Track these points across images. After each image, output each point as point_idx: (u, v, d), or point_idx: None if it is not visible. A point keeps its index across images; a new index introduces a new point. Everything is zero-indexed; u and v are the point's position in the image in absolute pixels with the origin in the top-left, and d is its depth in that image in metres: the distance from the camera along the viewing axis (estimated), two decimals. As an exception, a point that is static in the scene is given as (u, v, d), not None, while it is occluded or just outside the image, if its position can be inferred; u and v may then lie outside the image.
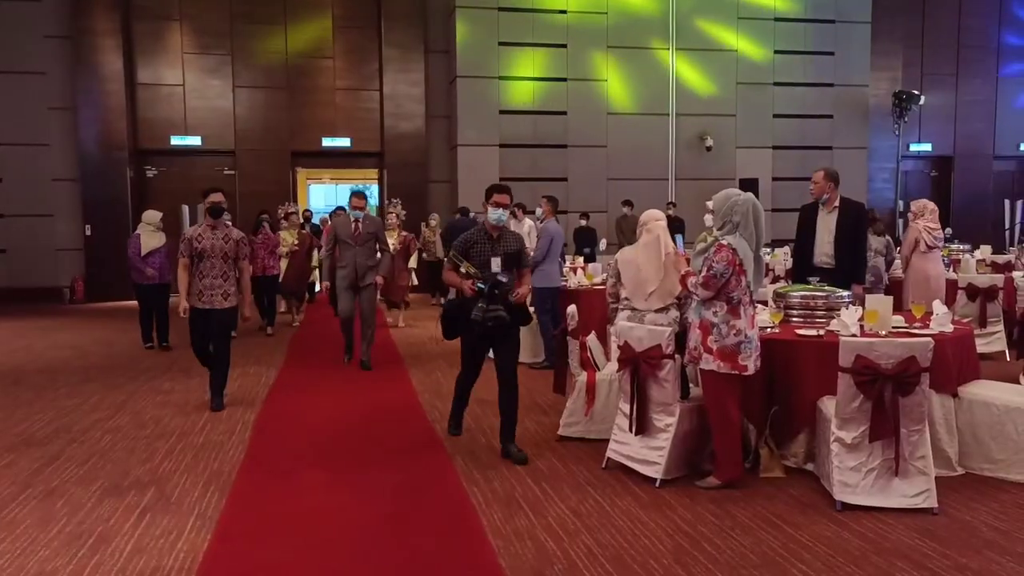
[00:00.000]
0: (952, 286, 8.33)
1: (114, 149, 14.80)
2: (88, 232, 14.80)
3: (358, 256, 7.65)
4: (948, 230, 15.72)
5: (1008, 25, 18.83)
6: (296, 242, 10.89)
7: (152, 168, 15.53)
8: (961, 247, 12.61)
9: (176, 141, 15.39)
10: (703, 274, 4.24)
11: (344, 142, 16.08)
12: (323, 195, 18.99)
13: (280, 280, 10.73)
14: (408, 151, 15.97)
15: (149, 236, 9.06)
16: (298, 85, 15.79)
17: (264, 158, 15.58)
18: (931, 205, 7.99)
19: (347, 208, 8.09)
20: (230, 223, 6.34)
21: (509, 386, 4.94)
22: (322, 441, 5.42)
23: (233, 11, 15.38)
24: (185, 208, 14.40)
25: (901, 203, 17.09)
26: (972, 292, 8.20)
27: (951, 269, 9.49)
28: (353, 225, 7.69)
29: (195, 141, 15.46)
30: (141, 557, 3.57)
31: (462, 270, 4.89)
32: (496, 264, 4.88)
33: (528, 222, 12.69)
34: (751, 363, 4.27)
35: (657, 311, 4.71)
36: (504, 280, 4.80)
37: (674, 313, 4.69)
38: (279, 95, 15.72)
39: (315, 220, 13.95)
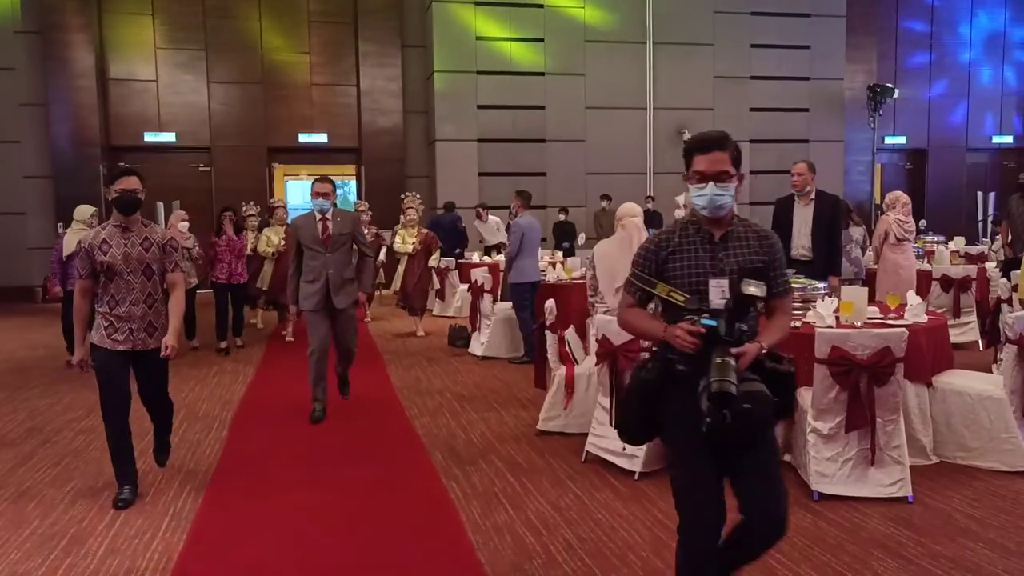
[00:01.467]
0: (926, 277, 8.42)
1: (86, 146, 14.58)
2: (60, 230, 14.56)
3: (329, 266, 5.57)
4: (923, 222, 15.90)
5: (978, 20, 19.04)
6: (283, 242, 9.44)
7: (126, 165, 15.29)
8: (935, 239, 12.72)
9: (150, 137, 15.20)
10: None
11: (321, 138, 15.96)
12: (301, 191, 18.85)
13: (265, 288, 9.55)
14: (386, 147, 15.88)
15: (76, 236, 7.39)
16: (274, 80, 15.64)
17: (240, 154, 15.42)
18: (904, 197, 8.06)
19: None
20: (151, 222, 4.31)
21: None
22: (300, 439, 5.38)
23: (207, 5, 15.19)
24: (160, 205, 14.21)
25: (877, 196, 17.26)
26: (946, 283, 8.30)
27: (925, 260, 9.59)
28: (320, 223, 5.63)
29: (169, 137, 15.27)
30: (115, 558, 3.52)
31: (665, 297, 2.58)
32: (723, 290, 2.53)
33: (494, 219, 12.76)
34: None
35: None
36: (745, 327, 2.47)
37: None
38: (255, 90, 15.56)
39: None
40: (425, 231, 9.99)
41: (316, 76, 15.88)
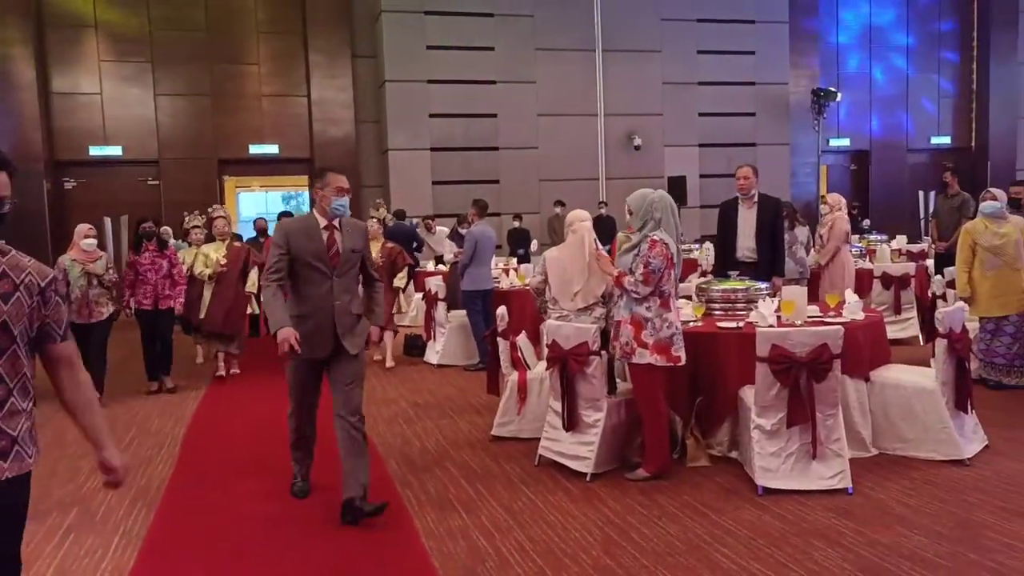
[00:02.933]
0: (868, 275, 8.69)
1: (29, 161, 14.20)
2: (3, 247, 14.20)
3: (336, 295, 4.06)
4: (866, 221, 16.37)
5: (914, 25, 19.66)
6: (224, 260, 7.73)
7: (71, 180, 15.01)
8: (879, 237, 13.11)
9: (95, 151, 14.90)
10: (641, 271, 4.31)
11: (272, 149, 15.83)
12: (254, 203, 18.66)
13: (203, 317, 7.78)
14: (338, 156, 15.78)
15: None
16: (223, 92, 15.47)
17: (189, 167, 15.21)
18: (842, 199, 8.37)
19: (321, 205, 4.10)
20: (12, 250, 2.40)
21: None
22: (253, 453, 5.36)
23: (151, 17, 14.96)
24: (107, 221, 13.97)
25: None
26: (887, 280, 8.57)
27: (867, 259, 9.88)
28: (326, 233, 4.04)
29: (116, 151, 14.99)
30: (64, 579, 3.48)
31: None
32: None
33: (442, 230, 12.89)
34: (683, 354, 4.40)
35: (581, 310, 4.80)
36: None
37: (599, 311, 4.79)
38: (203, 102, 15.37)
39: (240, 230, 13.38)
40: (390, 245, 8.38)
41: (266, 87, 15.75)
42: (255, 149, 15.72)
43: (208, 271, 7.71)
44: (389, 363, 8.20)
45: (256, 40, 15.66)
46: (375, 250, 7.88)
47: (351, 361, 4.13)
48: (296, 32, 15.73)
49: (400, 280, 8.59)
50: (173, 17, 15.04)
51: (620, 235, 4.59)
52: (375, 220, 8.54)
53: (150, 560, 3.65)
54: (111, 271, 7.06)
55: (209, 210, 8.32)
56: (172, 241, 8.99)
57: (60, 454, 5.43)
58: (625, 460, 4.67)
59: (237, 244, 8.15)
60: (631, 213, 4.53)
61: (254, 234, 11.27)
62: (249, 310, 8.77)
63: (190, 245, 8.13)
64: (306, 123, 15.89)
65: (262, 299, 4.35)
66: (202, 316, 7.81)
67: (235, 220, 15.61)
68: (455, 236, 11.22)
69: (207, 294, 7.77)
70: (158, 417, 6.37)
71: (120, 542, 3.87)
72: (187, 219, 8.38)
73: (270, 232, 10.59)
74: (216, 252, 7.81)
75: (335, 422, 4.11)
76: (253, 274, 8.04)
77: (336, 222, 4.09)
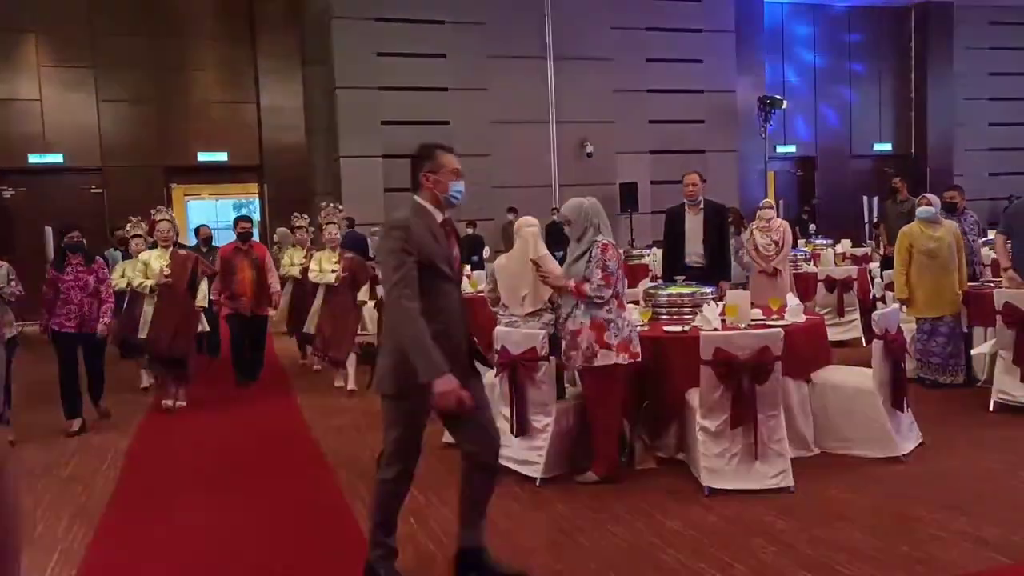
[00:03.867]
0: (812, 279, 8.91)
1: (-35, 169, 13.86)
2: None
3: (459, 305, 3.24)
4: (812, 226, 16.76)
5: (856, 34, 20.23)
6: (168, 270, 6.75)
7: (8, 188, 14.61)
8: (824, 242, 13.43)
9: (35, 159, 14.54)
10: (600, 275, 4.35)
11: (221, 156, 15.62)
12: (203, 212, 18.36)
13: (145, 337, 6.77)
14: (289, 164, 15.67)
15: None
16: (169, 98, 15.22)
17: (134, 175, 14.90)
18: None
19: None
20: None
21: None
22: (200, 464, 5.27)
23: (93, 22, 14.67)
24: (48, 230, 13.59)
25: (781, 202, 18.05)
26: (830, 284, 8.79)
27: (812, 263, 10.12)
28: (445, 233, 3.21)
29: (56, 159, 14.64)
30: (-2, 599, 3.38)
31: None
32: None
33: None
34: (640, 350, 4.47)
35: (530, 315, 4.83)
36: None
37: (548, 316, 4.82)
38: (148, 109, 15.10)
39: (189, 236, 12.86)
40: (350, 255, 7.55)
41: (214, 94, 15.55)
42: (203, 156, 15.51)
43: (149, 283, 6.75)
44: (351, 386, 7.27)
45: (203, 46, 15.45)
46: (330, 262, 7.36)
47: (480, 384, 3.31)
48: (244, 38, 15.57)
49: (364, 294, 7.65)
50: (116, 23, 14.77)
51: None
52: (334, 226, 7.71)
53: (90, 577, 3.57)
54: (14, 283, 6.10)
55: (152, 212, 7.24)
56: (108, 251, 8.55)
57: (-3, 471, 5.27)
58: (574, 464, 4.71)
59: (182, 252, 7.16)
60: (569, 223, 4.57)
61: (194, 243, 10.16)
62: (200, 327, 7.60)
63: (131, 256, 7.50)
64: (256, 130, 15.71)
65: (392, 322, 3.06)
66: (143, 336, 6.81)
67: (184, 229, 15.32)
68: None
69: (148, 310, 6.81)
70: (101, 430, 6.21)
71: (59, 559, 3.78)
72: (128, 227, 7.75)
73: (216, 243, 9.75)
74: (158, 260, 6.83)
75: (471, 465, 3.24)
76: (203, 285, 7.10)
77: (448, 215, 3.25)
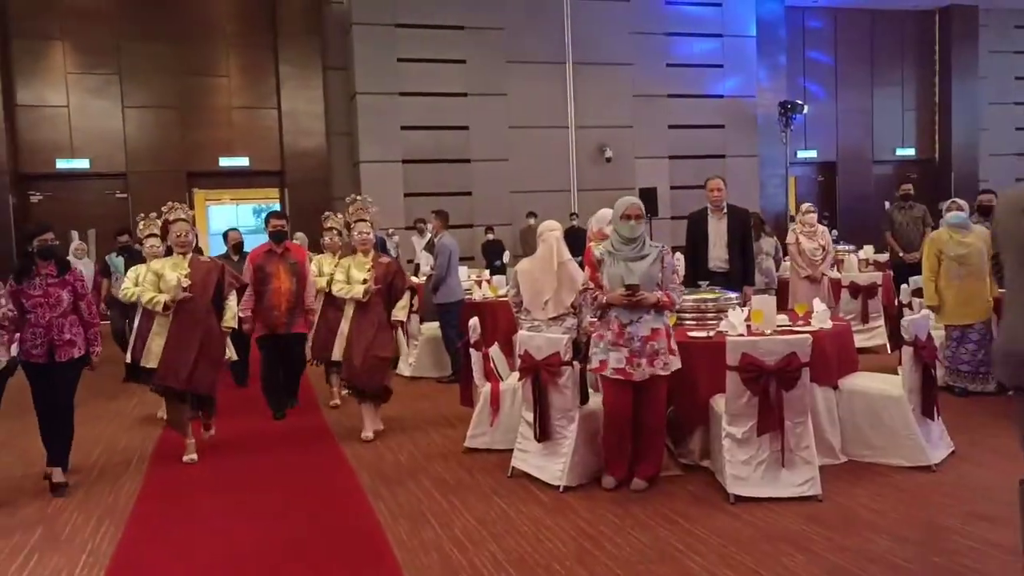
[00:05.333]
0: (836, 285, 8.81)
1: (-6, 174, 14.04)
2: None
3: None
4: (834, 232, 16.60)
5: (879, 38, 20.07)
6: (187, 282, 5.37)
7: (37, 193, 14.80)
8: (846, 247, 13.30)
9: (62, 165, 14.72)
10: (677, 282, 4.48)
11: (243, 161, 15.74)
12: (224, 216, 18.49)
13: (158, 367, 5.40)
14: (310, 169, 15.76)
15: None
16: (192, 104, 15.37)
17: (158, 180, 15.03)
18: None
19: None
20: None
21: None
22: (223, 467, 5.29)
23: (119, 29, 14.84)
24: (74, 234, 13.75)
25: (792, 208, 17.94)
26: (854, 290, 8.68)
27: (835, 268, 10.02)
28: None
29: (83, 164, 14.82)
30: (28, 599, 3.41)
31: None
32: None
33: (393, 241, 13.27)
34: None
35: (552, 319, 4.82)
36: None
37: (570, 321, 4.81)
38: (172, 114, 15.25)
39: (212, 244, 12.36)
40: (385, 259, 6.06)
41: (236, 99, 15.68)
42: (225, 162, 15.63)
43: (163, 298, 5.36)
44: (372, 431, 5.91)
45: (226, 52, 15.59)
46: (362, 270, 5.85)
47: None
48: (266, 44, 15.69)
49: (402, 310, 5.97)
50: (141, 29, 14.94)
51: (599, 249, 4.58)
52: (366, 224, 6.01)
53: (117, 578, 3.59)
54: (2, 299, 4.68)
55: (164, 209, 5.76)
56: (76, 259, 7.64)
57: (25, 473, 5.33)
58: (597, 470, 4.68)
59: (205, 259, 5.89)
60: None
61: (224, 251, 8.25)
62: (228, 354, 6.21)
63: (142, 261, 6.38)
64: (277, 135, 15.82)
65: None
66: (151, 365, 5.53)
67: (204, 235, 15.47)
68: (432, 248, 11.15)
69: (160, 332, 5.50)
70: (127, 433, 6.26)
71: (87, 560, 3.80)
72: (141, 225, 6.57)
73: (247, 248, 7.71)
74: (174, 270, 5.44)
75: None
76: (231, 301, 5.65)
77: None
